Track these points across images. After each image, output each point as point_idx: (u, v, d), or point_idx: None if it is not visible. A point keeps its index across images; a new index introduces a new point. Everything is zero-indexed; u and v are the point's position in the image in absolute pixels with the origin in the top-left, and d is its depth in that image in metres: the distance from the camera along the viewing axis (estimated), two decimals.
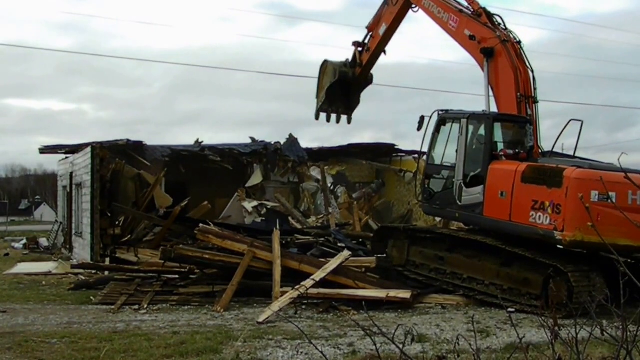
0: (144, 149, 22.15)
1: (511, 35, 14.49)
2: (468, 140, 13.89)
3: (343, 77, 18.87)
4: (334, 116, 19.46)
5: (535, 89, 14.17)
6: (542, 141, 14.11)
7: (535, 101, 14.13)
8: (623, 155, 4.52)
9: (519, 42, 14.43)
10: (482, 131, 13.74)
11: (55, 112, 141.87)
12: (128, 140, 21.70)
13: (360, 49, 18.69)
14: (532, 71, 14.20)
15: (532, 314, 11.04)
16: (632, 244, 11.20)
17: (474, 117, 13.94)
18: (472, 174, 13.66)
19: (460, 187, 13.79)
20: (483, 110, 14.27)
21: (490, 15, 14.90)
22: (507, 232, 12.92)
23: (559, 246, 12.09)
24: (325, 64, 19.20)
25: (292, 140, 25.04)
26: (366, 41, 18.81)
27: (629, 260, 12.22)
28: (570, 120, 13.44)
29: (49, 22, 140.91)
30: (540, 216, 12.10)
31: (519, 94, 13.90)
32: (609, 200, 11.03)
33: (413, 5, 17.10)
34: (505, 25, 14.80)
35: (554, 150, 13.97)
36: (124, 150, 21.33)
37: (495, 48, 14.30)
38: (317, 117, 19.45)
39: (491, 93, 14.52)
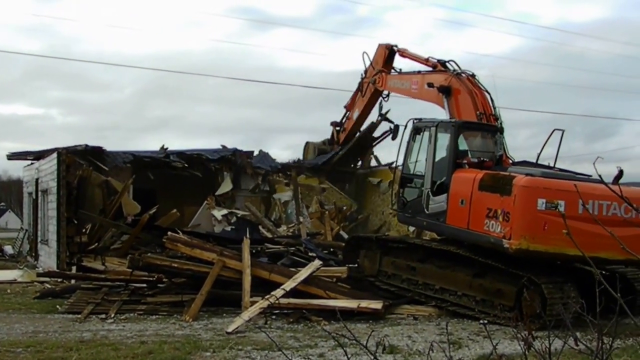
0: (104, 154, 21.60)
1: (466, 71, 15.36)
2: (436, 149, 13.95)
3: (322, 154, 21.29)
4: None
5: (494, 107, 14.59)
6: (519, 150, 14.42)
7: (497, 118, 14.36)
8: (599, 163, 4.46)
9: (473, 75, 15.19)
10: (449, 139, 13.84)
11: (22, 117, 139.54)
12: (87, 145, 21.06)
13: (337, 128, 20.22)
14: (489, 93, 14.78)
15: (505, 325, 10.98)
16: (581, 254, 10.94)
17: (441, 125, 14.02)
18: (438, 182, 13.71)
19: (428, 195, 13.82)
20: (450, 118, 14.37)
21: (444, 64, 16.13)
22: (465, 240, 12.96)
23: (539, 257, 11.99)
24: (307, 144, 21.37)
25: (262, 155, 24.96)
26: (343, 121, 21.09)
27: (603, 272, 12.27)
28: (554, 130, 13.53)
29: (15, 25, 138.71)
30: (493, 224, 12.08)
31: (478, 112, 14.21)
32: (557, 209, 11.09)
33: (383, 94, 19.12)
34: (458, 66, 15.77)
35: (539, 159, 13.98)
36: (82, 156, 20.73)
37: (451, 85, 15.08)
38: None
39: None
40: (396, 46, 19.02)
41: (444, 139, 13.89)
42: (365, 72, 19.78)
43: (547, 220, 11.27)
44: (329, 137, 23.02)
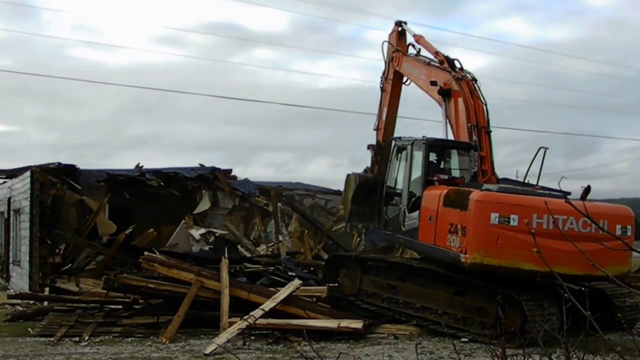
0: (77, 173, 21.22)
1: (468, 75, 14.93)
2: (412, 166, 14.04)
3: (363, 181, 19.72)
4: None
5: (488, 120, 14.38)
6: (501, 168, 14.39)
7: (488, 131, 14.28)
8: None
9: (475, 80, 14.82)
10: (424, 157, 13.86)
11: None
12: (59, 163, 20.75)
13: (374, 152, 19.89)
14: (486, 104, 14.48)
15: (485, 343, 10.89)
16: (536, 268, 10.77)
17: (416, 143, 14.16)
18: (413, 199, 13.79)
19: (404, 212, 13.86)
20: (423, 136, 14.40)
21: (450, 61, 15.59)
22: (431, 256, 12.98)
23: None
24: (348, 177, 20.72)
25: (245, 181, 24.83)
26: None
27: (583, 289, 12.19)
28: (540, 148, 13.53)
29: None
30: (454, 239, 12.15)
31: (469, 124, 14.10)
32: (509, 223, 11.20)
33: (404, 79, 17.99)
34: (462, 66, 15.40)
35: (526, 177, 13.91)
36: (55, 174, 20.35)
37: (451, 88, 14.76)
38: (347, 228, 20.48)
39: (450, 129, 14.85)
40: (405, 23, 18.37)
41: (419, 157, 14.00)
42: (384, 72, 18.58)
43: (500, 234, 11.39)
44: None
